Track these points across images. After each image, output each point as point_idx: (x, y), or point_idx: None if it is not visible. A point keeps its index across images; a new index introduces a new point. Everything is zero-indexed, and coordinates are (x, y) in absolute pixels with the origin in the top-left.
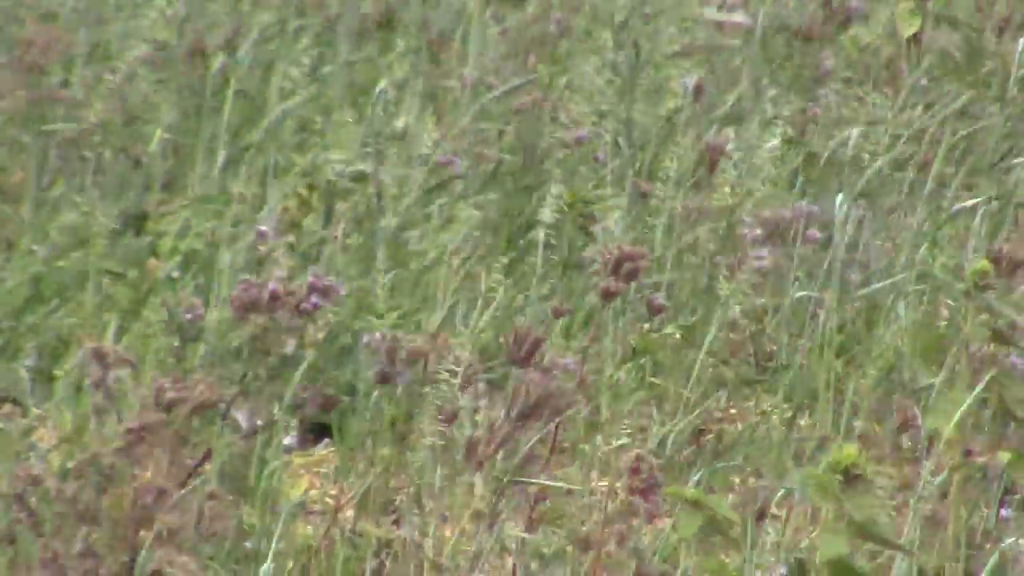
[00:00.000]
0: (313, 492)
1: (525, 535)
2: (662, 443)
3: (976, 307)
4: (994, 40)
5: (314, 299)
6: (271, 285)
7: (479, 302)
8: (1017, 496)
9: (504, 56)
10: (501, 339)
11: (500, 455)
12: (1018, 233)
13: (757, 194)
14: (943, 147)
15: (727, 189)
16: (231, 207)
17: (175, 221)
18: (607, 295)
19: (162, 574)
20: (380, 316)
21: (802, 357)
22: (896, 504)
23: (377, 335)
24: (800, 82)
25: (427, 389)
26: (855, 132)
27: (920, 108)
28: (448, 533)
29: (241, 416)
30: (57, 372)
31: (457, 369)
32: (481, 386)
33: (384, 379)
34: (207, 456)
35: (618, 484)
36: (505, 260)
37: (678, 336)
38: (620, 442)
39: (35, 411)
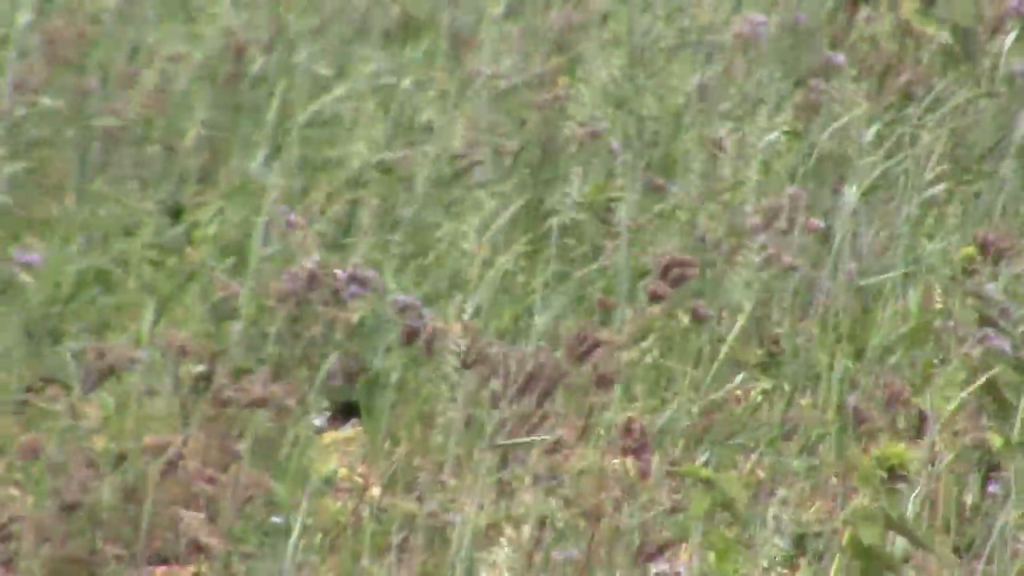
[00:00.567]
0: (342, 470)
1: (538, 507)
2: (672, 421)
3: (964, 292)
4: (987, 38)
5: (353, 288)
6: (309, 268)
7: (497, 287)
8: (1004, 473)
9: (521, 55)
10: (525, 321)
11: (521, 434)
12: (1004, 222)
13: (759, 184)
14: (941, 139)
15: (730, 180)
16: (265, 197)
17: (210, 211)
18: (654, 297)
19: (199, 544)
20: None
21: (804, 340)
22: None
23: (403, 296)
24: (805, 76)
25: (449, 371)
26: (870, 131)
27: (918, 102)
28: (469, 509)
29: (257, 385)
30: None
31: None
32: (511, 368)
33: (410, 338)
34: (240, 434)
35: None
36: (523, 247)
37: (687, 320)
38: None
39: (79, 394)
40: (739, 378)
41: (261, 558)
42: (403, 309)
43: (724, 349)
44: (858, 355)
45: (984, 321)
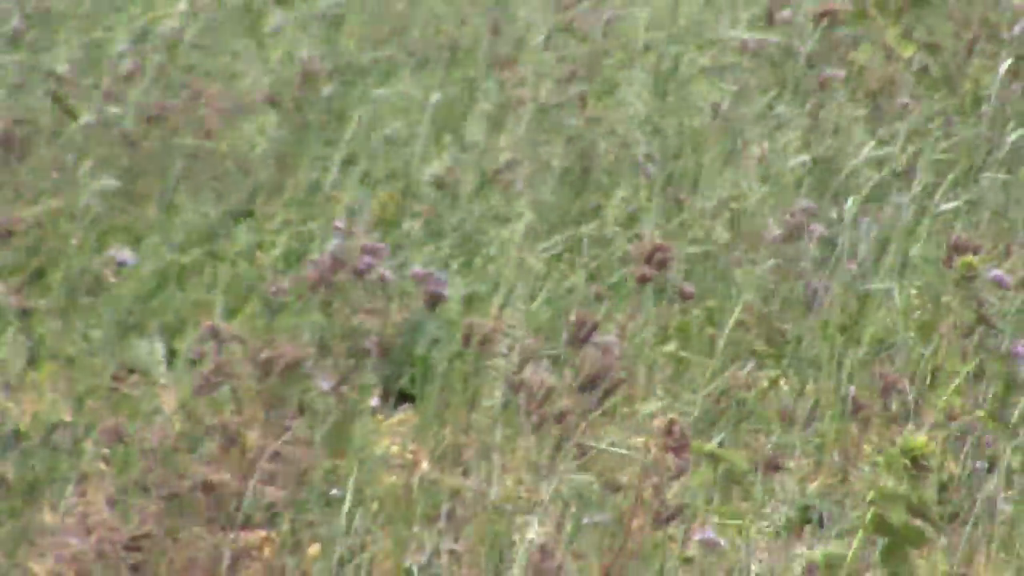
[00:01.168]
0: (394, 448)
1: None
2: (689, 406)
3: (963, 294)
4: (965, 61)
5: (367, 259)
6: (330, 253)
7: (534, 288)
8: (989, 451)
9: (559, 79)
10: (562, 320)
11: (554, 418)
12: (989, 228)
13: (770, 197)
14: (927, 157)
15: (744, 192)
16: (331, 207)
17: (278, 219)
18: (642, 280)
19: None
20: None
21: (808, 334)
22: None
23: (419, 268)
24: (807, 97)
25: (492, 362)
26: (867, 148)
27: (908, 122)
28: (509, 483)
29: (323, 379)
30: (177, 347)
31: (517, 345)
32: (544, 362)
33: (434, 302)
34: (299, 413)
35: (652, 442)
36: (557, 251)
37: (702, 316)
38: (654, 406)
39: (161, 380)
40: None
41: (323, 526)
42: (422, 278)
43: (723, 339)
44: (855, 345)
45: (980, 320)
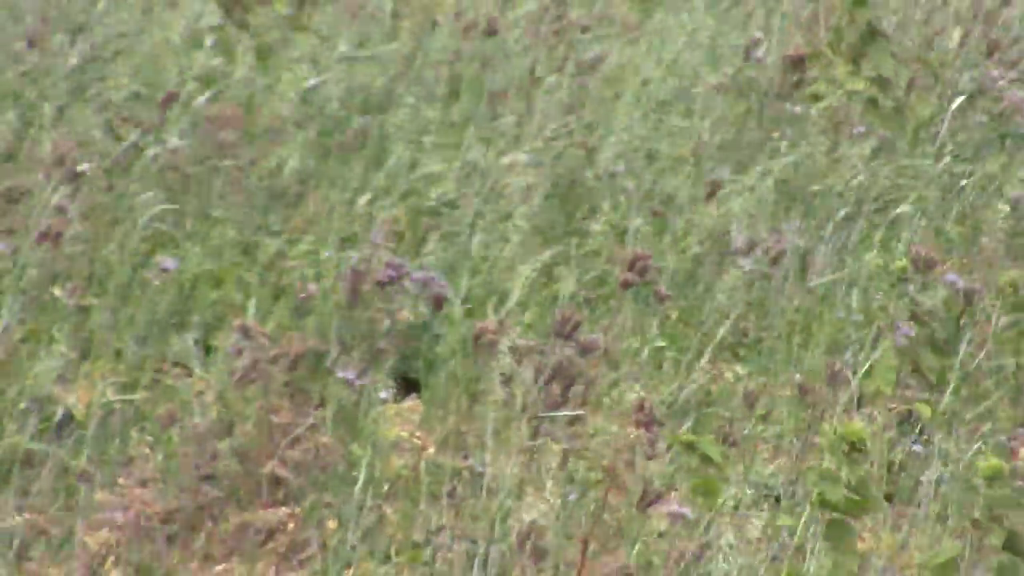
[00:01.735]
0: (403, 434)
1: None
2: (665, 395)
3: (899, 295)
4: (907, 96)
5: (389, 272)
6: (353, 265)
7: (527, 293)
8: (925, 436)
9: (551, 109)
10: (549, 319)
11: (543, 407)
12: (936, 240)
13: (740, 214)
14: (879, 176)
15: (719, 211)
16: (351, 224)
17: (304, 232)
18: (624, 285)
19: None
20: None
21: (769, 335)
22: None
23: (420, 272)
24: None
25: (493, 362)
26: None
27: (861, 148)
28: (504, 466)
29: (345, 372)
30: (214, 343)
31: (514, 345)
32: (536, 358)
33: (438, 303)
34: (321, 404)
35: (627, 423)
36: (549, 262)
37: (675, 317)
38: (633, 395)
39: (199, 373)
40: (716, 362)
41: (340, 503)
42: (425, 282)
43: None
44: (809, 344)
45: (914, 318)
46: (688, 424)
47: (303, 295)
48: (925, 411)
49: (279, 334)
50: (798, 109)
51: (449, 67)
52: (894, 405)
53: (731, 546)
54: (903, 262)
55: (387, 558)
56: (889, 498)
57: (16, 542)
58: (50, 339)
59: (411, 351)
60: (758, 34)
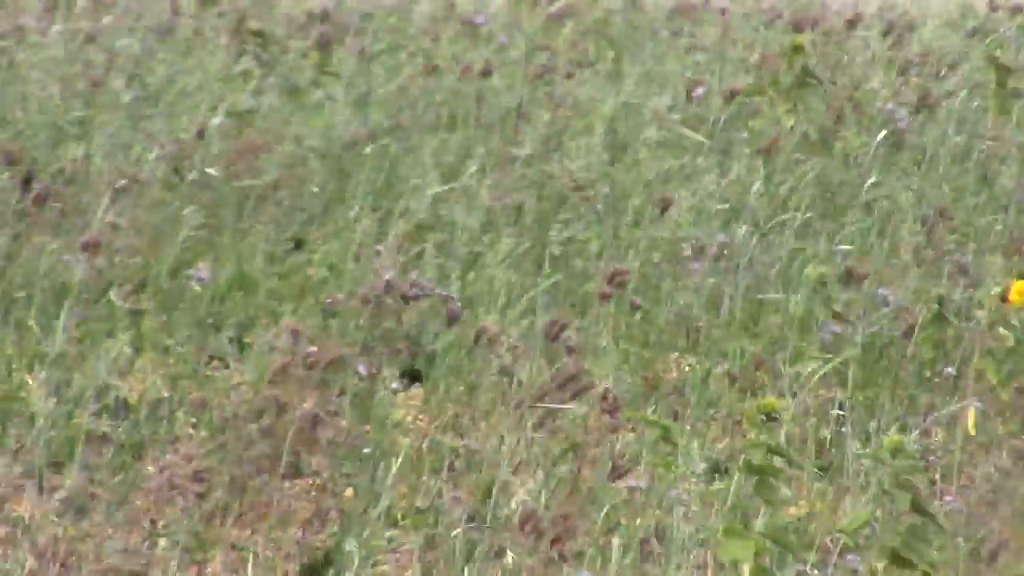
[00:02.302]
0: (408, 418)
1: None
2: (631, 385)
3: (822, 299)
4: (835, 129)
5: (415, 290)
6: (386, 279)
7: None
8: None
9: (533, 141)
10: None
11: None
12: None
13: (692, 228)
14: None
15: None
16: (356, 236)
17: (324, 244)
18: (603, 297)
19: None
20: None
21: (717, 332)
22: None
23: (444, 292)
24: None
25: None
26: (756, 185)
27: (793, 174)
28: (493, 442)
29: (361, 367)
30: (248, 340)
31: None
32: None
33: (452, 319)
34: (341, 393)
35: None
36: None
37: (639, 317)
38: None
39: (234, 366)
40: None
41: (355, 476)
42: (445, 299)
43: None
44: (753, 341)
45: (836, 316)
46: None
47: (329, 300)
48: (844, 395)
49: (308, 334)
50: (744, 136)
51: (448, 104)
52: (823, 392)
53: (686, 507)
54: (827, 270)
55: (395, 522)
56: (824, 471)
57: (80, 506)
58: (108, 337)
59: (416, 347)
60: (707, 76)
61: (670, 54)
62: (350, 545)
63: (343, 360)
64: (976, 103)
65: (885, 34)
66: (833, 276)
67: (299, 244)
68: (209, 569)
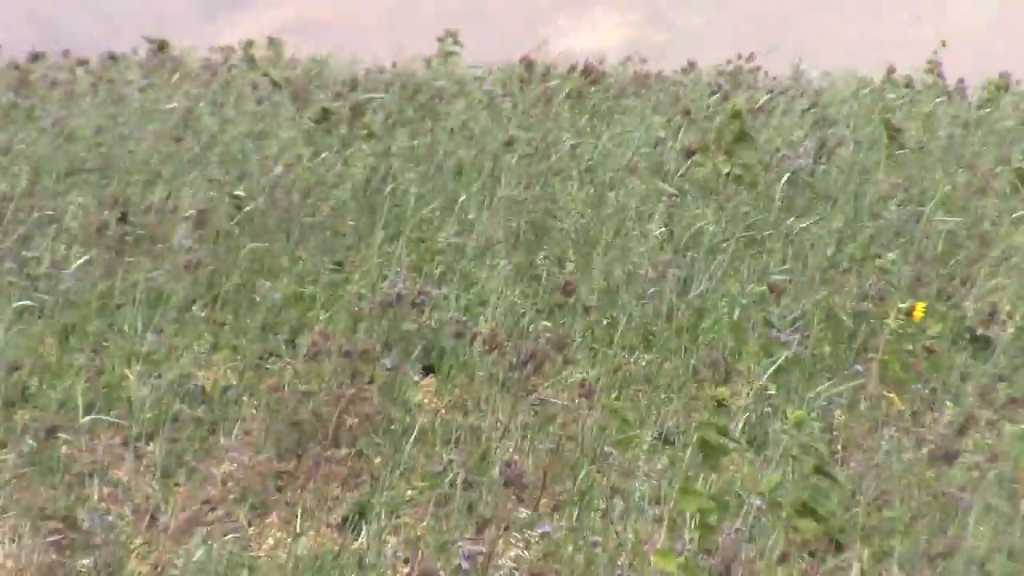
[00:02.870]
0: (424, 400)
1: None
2: (598, 377)
3: (758, 310)
4: (764, 175)
5: (423, 297)
6: (396, 289)
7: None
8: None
9: (524, 183)
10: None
11: (518, 382)
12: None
13: (646, 252)
14: (739, 227)
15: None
16: (387, 259)
17: (360, 266)
18: (566, 291)
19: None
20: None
21: (668, 334)
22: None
23: (455, 314)
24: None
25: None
26: (709, 224)
27: (727, 209)
28: (490, 420)
29: (387, 361)
30: (299, 342)
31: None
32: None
33: (459, 334)
34: (370, 381)
35: (573, 395)
36: (523, 287)
37: (606, 324)
38: (576, 375)
39: (288, 361)
40: (630, 353)
41: (383, 446)
42: (455, 320)
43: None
44: (696, 340)
45: (767, 323)
46: (615, 395)
47: (357, 308)
48: (775, 388)
49: (343, 336)
50: (688, 183)
51: (456, 156)
52: (754, 381)
53: (645, 474)
54: (762, 287)
55: (414, 483)
56: (752, 443)
57: (166, 470)
58: (190, 340)
59: (429, 346)
60: (663, 134)
61: (633, 117)
62: (378, 500)
63: (370, 354)
64: (872, 154)
65: (805, 103)
66: (761, 292)
67: (339, 265)
68: (268, 520)
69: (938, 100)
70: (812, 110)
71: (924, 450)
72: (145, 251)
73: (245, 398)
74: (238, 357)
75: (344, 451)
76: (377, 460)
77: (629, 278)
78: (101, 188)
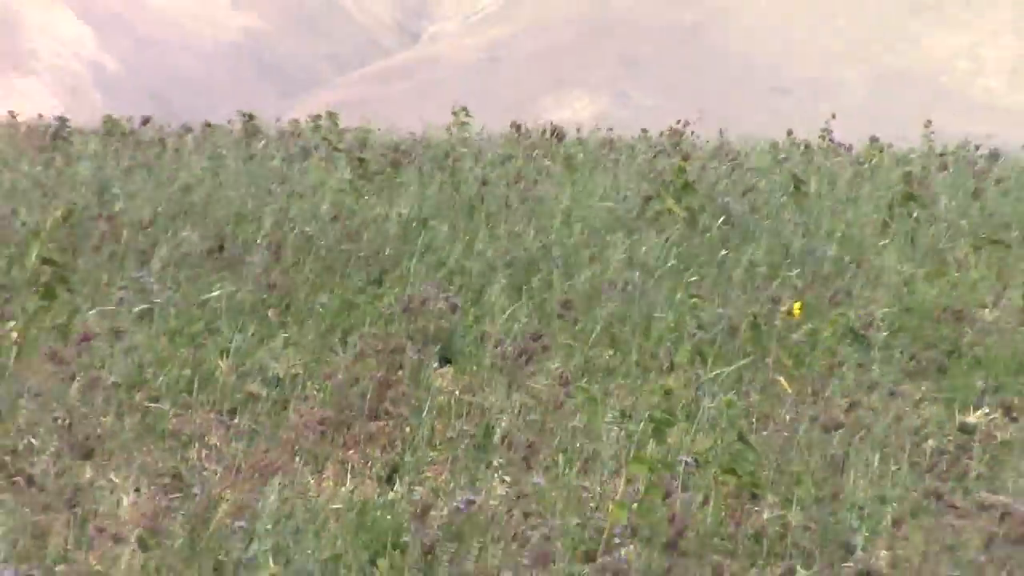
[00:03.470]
0: (443, 384)
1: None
2: (573, 368)
3: (692, 316)
4: (698, 217)
5: (441, 304)
6: (414, 295)
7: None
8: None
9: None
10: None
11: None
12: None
13: (610, 273)
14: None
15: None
16: (414, 278)
17: (394, 285)
18: (559, 315)
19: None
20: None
21: (626, 335)
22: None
23: (451, 295)
24: (630, 232)
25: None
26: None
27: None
28: (492, 399)
29: (413, 353)
30: (349, 340)
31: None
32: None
33: (453, 308)
34: (400, 368)
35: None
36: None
37: (578, 327)
38: (556, 365)
39: (341, 355)
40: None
41: (411, 418)
42: (434, 302)
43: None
44: (647, 340)
45: (700, 325)
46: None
47: (389, 311)
48: (706, 375)
49: (380, 336)
50: (643, 220)
51: (469, 201)
52: (689, 371)
53: (608, 442)
54: (695, 299)
55: (435, 447)
56: (688, 418)
57: (250, 438)
58: (266, 338)
59: (447, 343)
60: (624, 183)
61: (600, 172)
62: (408, 460)
63: (402, 349)
64: (781, 199)
65: (731, 159)
66: (695, 303)
67: (379, 282)
68: (324, 474)
69: (832, 159)
70: (737, 165)
71: (817, 422)
72: (234, 271)
73: (308, 382)
74: (302, 351)
75: (382, 423)
76: (407, 429)
77: (594, 292)
78: (203, 224)
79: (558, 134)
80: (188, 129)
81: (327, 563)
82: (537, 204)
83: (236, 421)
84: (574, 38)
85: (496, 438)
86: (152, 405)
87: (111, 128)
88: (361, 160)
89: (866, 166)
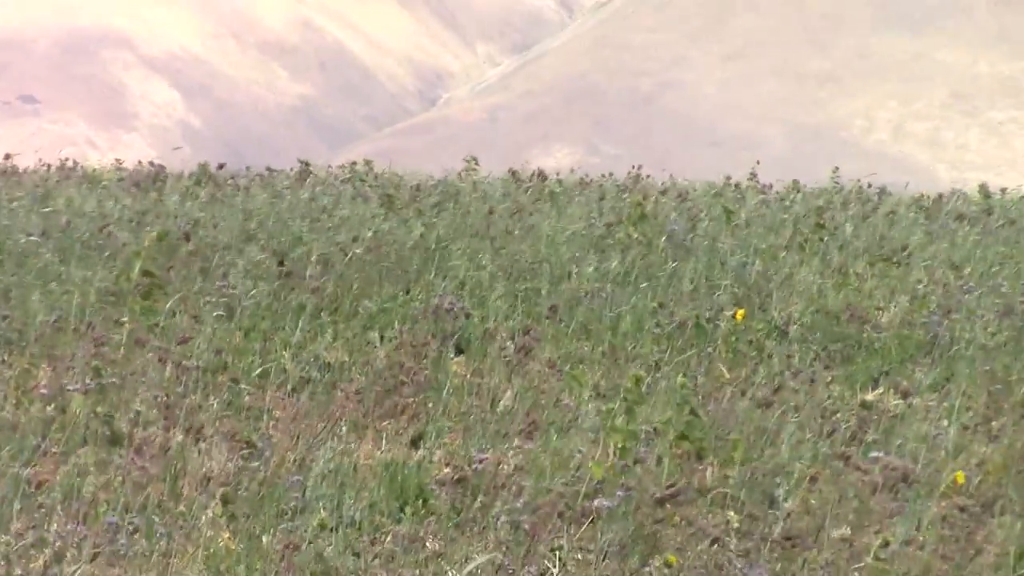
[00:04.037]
0: (458, 370)
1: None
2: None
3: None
4: (659, 237)
5: (454, 310)
6: (442, 303)
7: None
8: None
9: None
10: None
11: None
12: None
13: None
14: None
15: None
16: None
17: (419, 293)
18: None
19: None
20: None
21: (599, 332)
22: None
23: (455, 300)
24: (601, 252)
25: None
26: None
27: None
28: (495, 381)
29: (434, 346)
30: (386, 335)
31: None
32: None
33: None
34: (424, 356)
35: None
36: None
37: (563, 325)
38: (544, 355)
39: (378, 346)
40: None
41: (432, 399)
42: (450, 306)
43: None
44: (615, 335)
45: (659, 325)
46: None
47: (415, 314)
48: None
49: (409, 331)
50: (610, 242)
51: (477, 228)
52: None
53: (592, 413)
54: (654, 304)
55: (452, 419)
56: (650, 395)
57: (307, 412)
58: (319, 334)
59: (460, 338)
60: (594, 215)
61: (576, 206)
62: (430, 429)
63: (426, 343)
64: (718, 227)
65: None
66: (654, 307)
67: (407, 292)
68: (364, 440)
69: (757, 196)
70: (682, 200)
71: (750, 400)
72: (293, 282)
73: (352, 368)
74: (348, 344)
75: (409, 399)
76: (429, 405)
77: (574, 299)
78: (268, 246)
79: (542, 176)
80: (256, 174)
81: (365, 510)
82: (530, 231)
83: (296, 399)
84: (556, 103)
85: (499, 411)
86: (231, 386)
87: (203, 172)
88: (391, 197)
89: (786, 202)
